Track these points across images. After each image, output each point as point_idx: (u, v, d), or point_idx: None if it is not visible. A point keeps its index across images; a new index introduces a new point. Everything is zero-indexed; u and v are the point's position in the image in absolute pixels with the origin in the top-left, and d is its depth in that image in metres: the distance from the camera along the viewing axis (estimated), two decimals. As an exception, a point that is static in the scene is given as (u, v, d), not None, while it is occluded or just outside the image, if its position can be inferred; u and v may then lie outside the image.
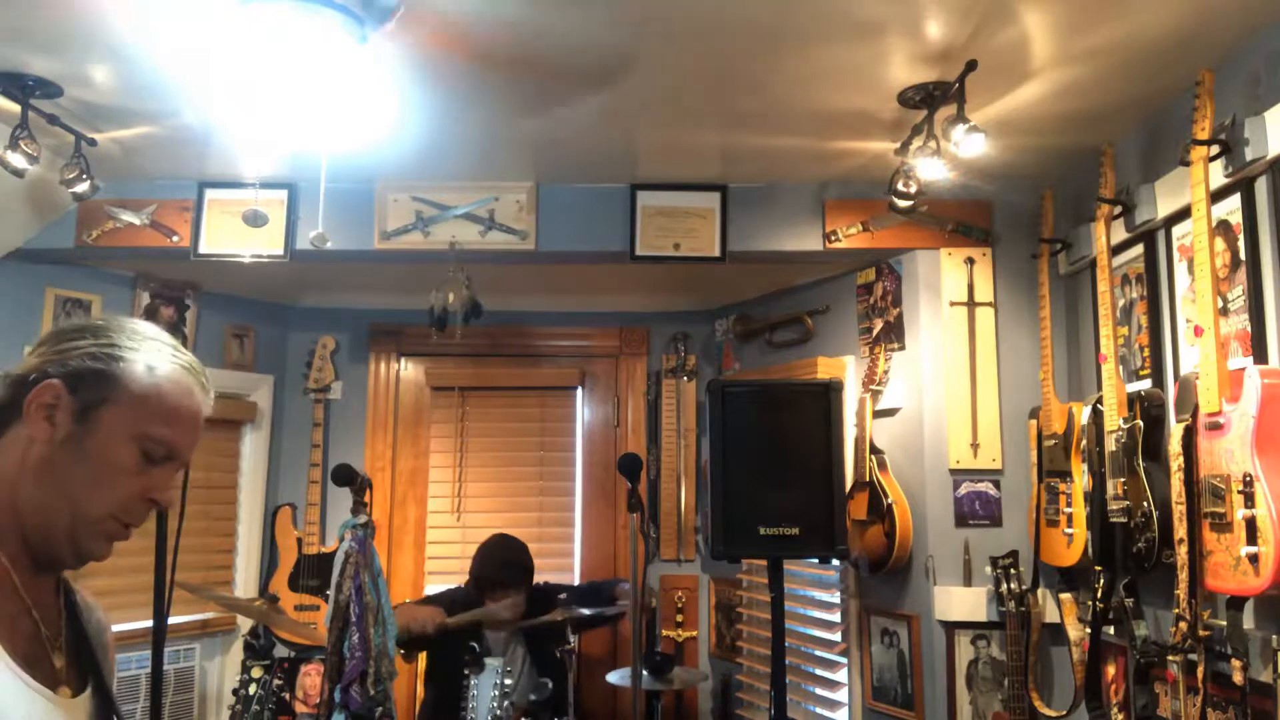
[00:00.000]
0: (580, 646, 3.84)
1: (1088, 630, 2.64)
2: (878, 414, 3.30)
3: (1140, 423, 2.40)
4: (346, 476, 2.81)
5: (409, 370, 4.37)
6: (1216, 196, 2.19)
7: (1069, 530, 2.69)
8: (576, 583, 4.14)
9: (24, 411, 1.07)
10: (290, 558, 4.11)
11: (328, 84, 2.16)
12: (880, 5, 2.07)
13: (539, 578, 3.59)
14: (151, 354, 1.13)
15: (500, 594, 3.38)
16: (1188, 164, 2.18)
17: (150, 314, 3.68)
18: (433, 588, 4.02)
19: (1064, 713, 2.79)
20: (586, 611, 3.23)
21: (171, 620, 2.05)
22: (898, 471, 3.23)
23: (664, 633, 4.16)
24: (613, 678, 3.31)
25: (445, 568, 4.17)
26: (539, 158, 3.11)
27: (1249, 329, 2.13)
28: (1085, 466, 2.64)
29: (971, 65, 2.27)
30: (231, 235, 3.24)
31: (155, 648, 1.28)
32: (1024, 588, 2.90)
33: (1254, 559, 1.91)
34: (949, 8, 2.08)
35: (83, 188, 2.82)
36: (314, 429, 4.19)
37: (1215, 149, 2.13)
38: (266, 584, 4.10)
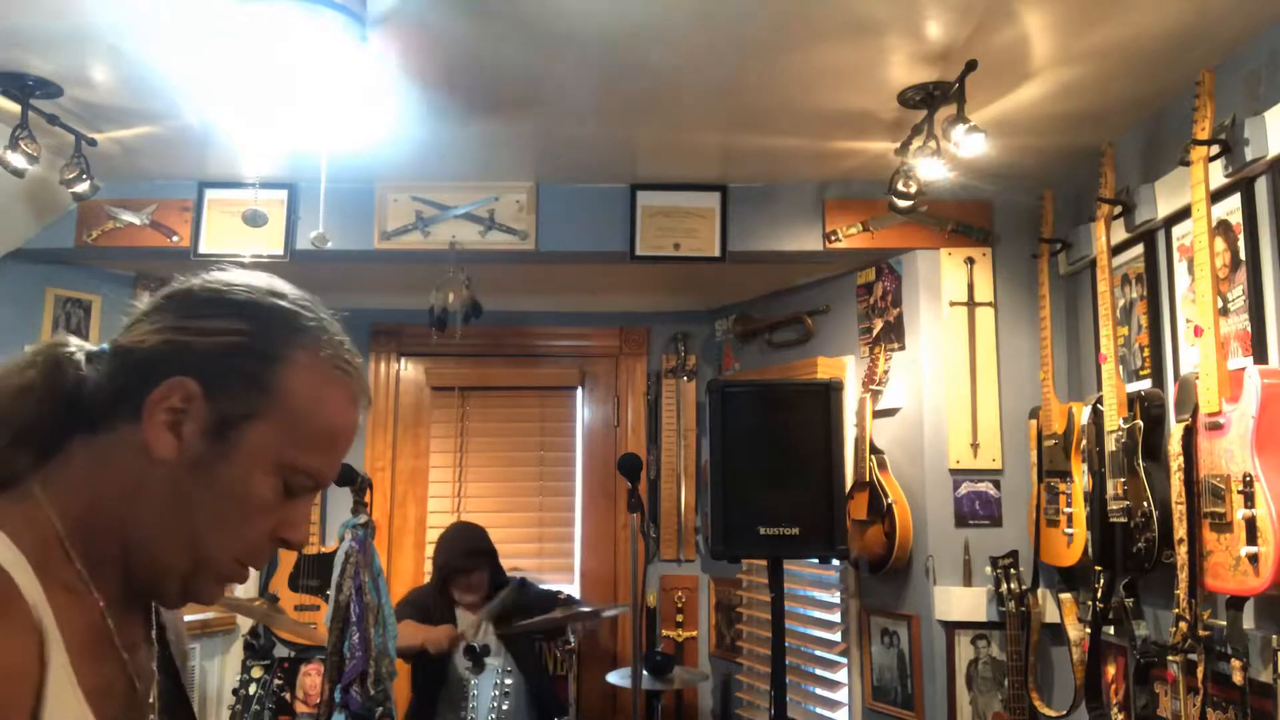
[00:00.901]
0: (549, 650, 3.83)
1: (1088, 630, 2.64)
2: (878, 414, 3.30)
3: (1140, 423, 2.40)
4: (346, 476, 2.81)
5: (409, 370, 4.37)
6: (1216, 196, 2.19)
7: (1069, 530, 2.69)
8: (575, 584, 4.15)
9: (144, 413, 0.80)
10: (290, 557, 4.10)
11: (328, 84, 2.16)
12: (880, 5, 2.07)
13: (542, 577, 3.59)
14: (316, 352, 0.85)
15: (464, 580, 3.37)
16: (1188, 164, 2.18)
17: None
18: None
19: (1064, 713, 2.79)
20: (586, 608, 3.24)
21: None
22: (898, 471, 3.23)
23: (664, 633, 4.16)
24: (613, 678, 3.32)
25: (445, 568, 4.17)
26: (539, 158, 3.11)
27: (1249, 329, 2.13)
28: (1085, 466, 2.64)
29: (971, 65, 2.27)
30: (231, 235, 3.24)
31: (157, 647, 1.27)
32: (1024, 588, 2.90)
33: (1254, 559, 1.91)
34: (949, 8, 2.08)
35: (83, 188, 2.82)
36: (314, 429, 4.18)
37: (1215, 149, 2.13)
38: (266, 584, 4.10)
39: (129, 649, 0.84)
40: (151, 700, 0.86)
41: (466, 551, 3.42)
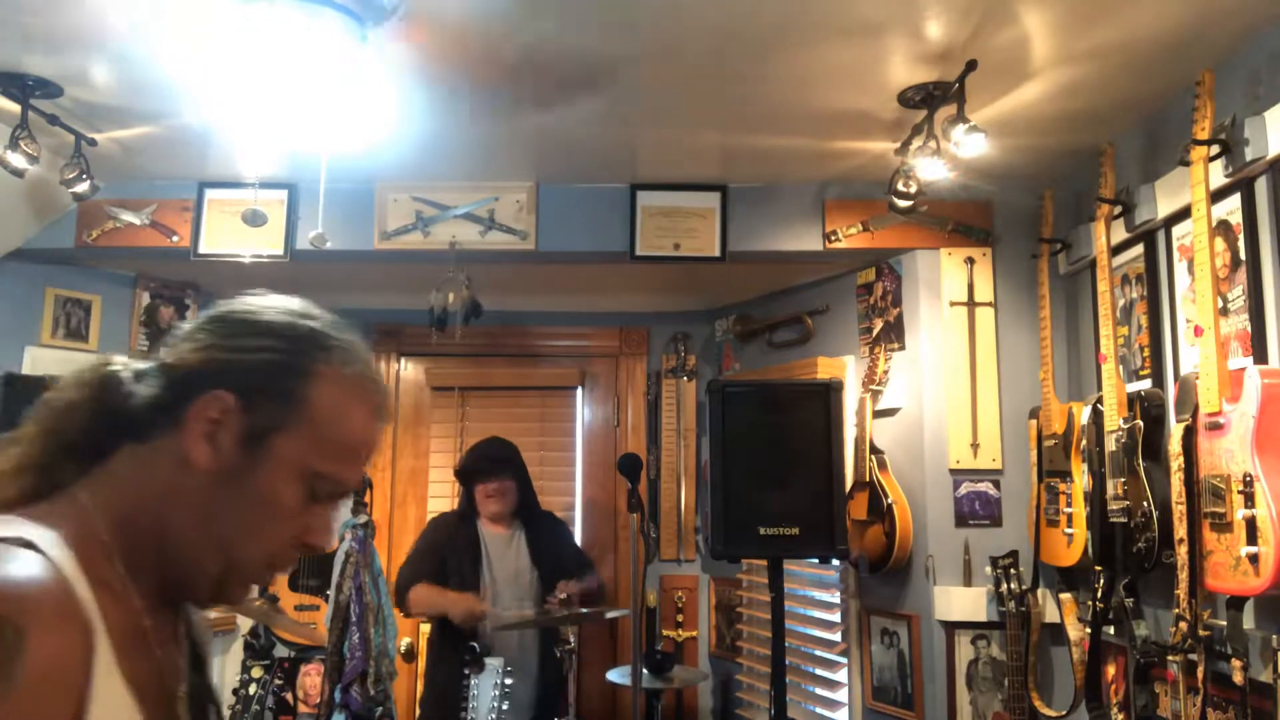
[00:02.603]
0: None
1: (1088, 630, 2.64)
2: (878, 414, 3.30)
3: (1140, 423, 2.40)
4: (346, 476, 2.80)
5: (409, 370, 4.37)
6: (1216, 196, 2.19)
7: (1069, 530, 2.69)
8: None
9: (185, 425, 0.87)
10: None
11: (328, 84, 2.16)
12: (880, 5, 2.07)
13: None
14: (341, 369, 0.93)
15: (487, 487, 3.49)
16: (1188, 164, 2.18)
17: (150, 314, 3.69)
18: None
19: (1064, 713, 2.79)
20: (586, 609, 3.24)
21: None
22: (898, 471, 3.23)
23: (664, 632, 4.16)
24: (613, 676, 3.32)
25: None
26: (539, 158, 3.11)
27: (1249, 329, 2.13)
28: (1085, 466, 2.64)
29: (971, 65, 2.27)
30: (231, 235, 3.24)
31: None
32: (1024, 588, 2.90)
33: (1254, 559, 1.91)
34: (949, 8, 2.08)
35: (83, 188, 2.82)
36: (314, 429, 4.18)
37: (1215, 149, 2.13)
38: (266, 584, 4.10)
39: (161, 646, 0.88)
40: (181, 695, 0.91)
41: (489, 456, 3.53)
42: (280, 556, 0.93)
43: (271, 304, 0.96)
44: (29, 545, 0.76)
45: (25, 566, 0.75)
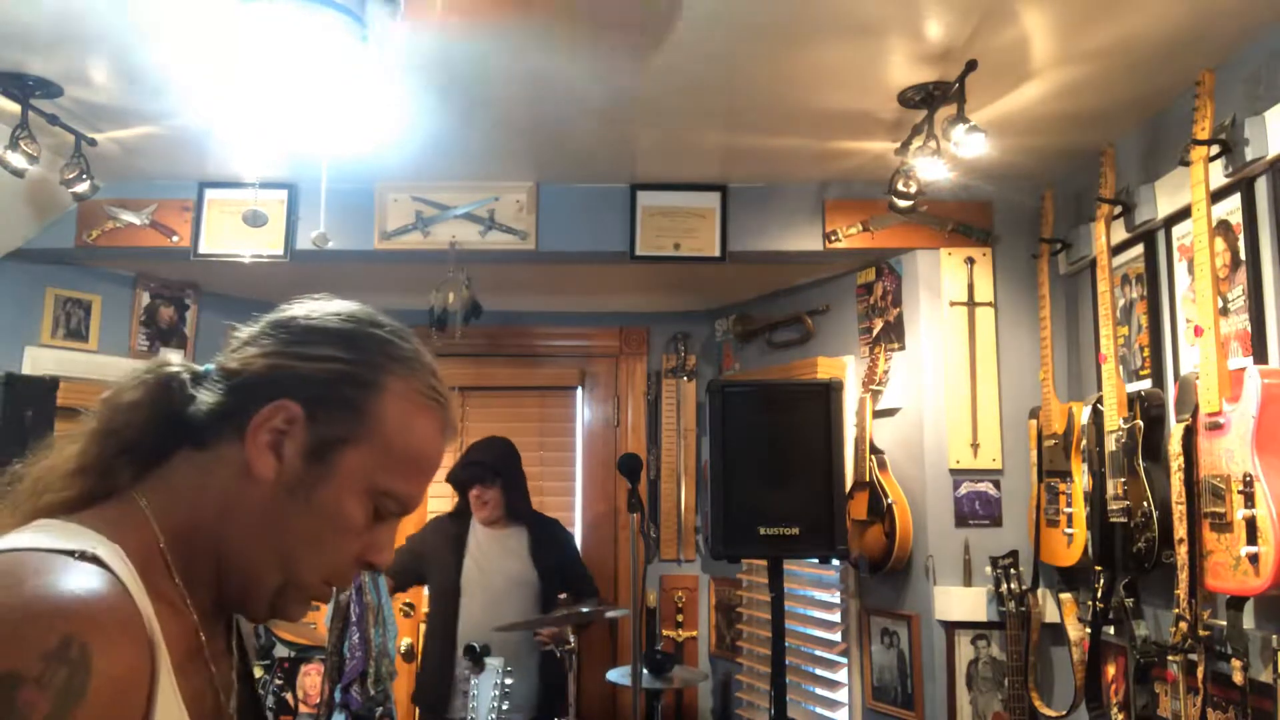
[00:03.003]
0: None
1: (1088, 630, 2.64)
2: (878, 414, 3.30)
3: (1140, 423, 2.40)
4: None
5: (409, 370, 4.37)
6: (1216, 196, 2.19)
7: (1069, 530, 2.69)
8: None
9: (248, 434, 0.84)
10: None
11: (328, 84, 2.16)
12: (880, 5, 2.07)
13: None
14: (410, 380, 0.90)
15: (470, 489, 3.50)
16: (1188, 164, 2.18)
17: (150, 314, 3.69)
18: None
19: (1064, 713, 2.79)
20: (586, 609, 3.23)
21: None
22: (898, 471, 3.23)
23: (664, 632, 4.17)
24: (613, 675, 3.32)
25: (445, 568, 4.17)
26: (539, 158, 3.11)
27: (1249, 329, 2.13)
28: (1085, 466, 2.64)
29: (971, 65, 2.27)
30: (231, 235, 3.24)
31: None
32: (1024, 588, 2.90)
33: (1254, 559, 1.91)
34: (949, 8, 2.08)
35: (83, 188, 2.82)
36: (314, 429, 4.19)
37: (1215, 149, 2.13)
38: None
39: (215, 661, 0.86)
40: (232, 710, 0.89)
41: (469, 462, 3.54)
42: (340, 574, 0.90)
43: (337, 310, 0.94)
44: (93, 559, 0.75)
45: (89, 580, 0.73)
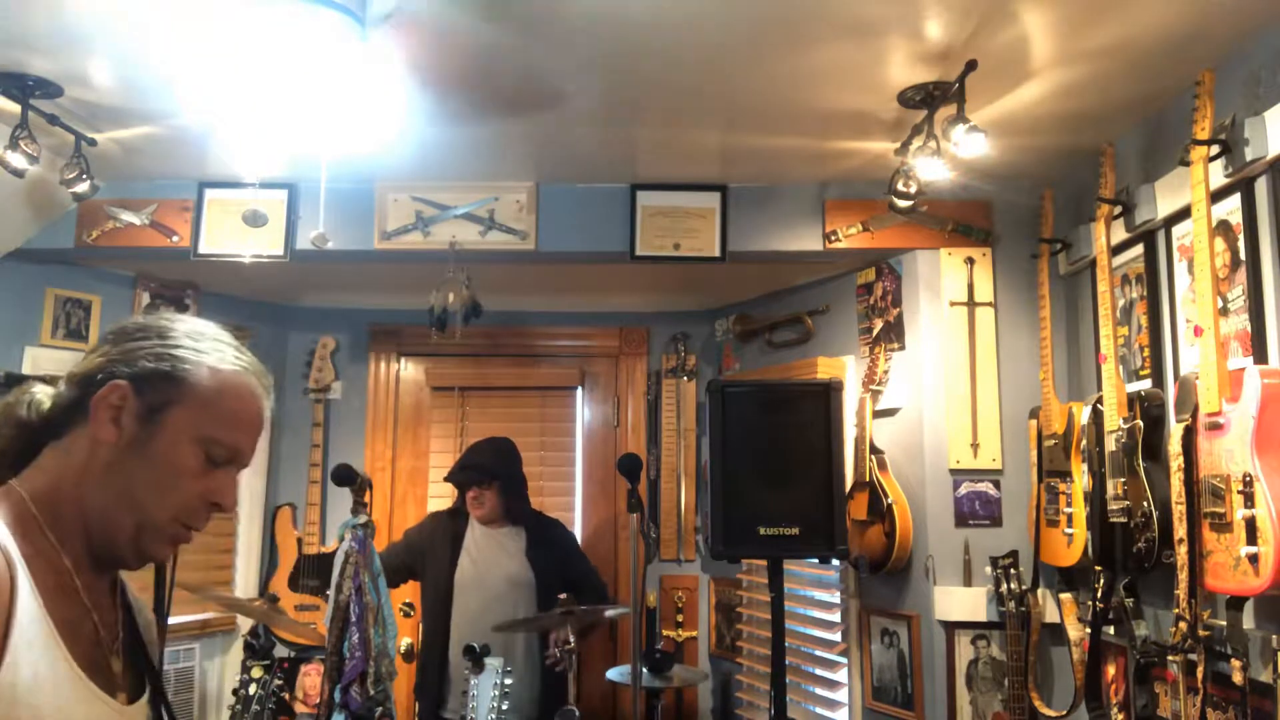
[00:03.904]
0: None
1: (1088, 630, 2.64)
2: (878, 414, 3.30)
3: (1140, 423, 2.41)
4: (346, 476, 2.81)
5: (409, 370, 4.37)
6: (1216, 196, 2.19)
7: (1069, 530, 2.69)
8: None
9: (91, 412, 1.05)
10: (290, 558, 4.11)
11: (328, 84, 2.16)
12: (880, 5, 2.07)
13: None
14: (215, 355, 1.11)
15: (466, 490, 3.51)
16: (1188, 164, 2.18)
17: (150, 314, 3.69)
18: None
19: (1064, 713, 2.79)
20: (586, 608, 3.24)
21: (171, 620, 2.05)
22: (898, 471, 3.23)
23: (664, 632, 4.16)
24: (613, 674, 3.32)
25: (445, 568, 4.17)
26: (539, 158, 3.11)
27: (1249, 329, 2.13)
28: (1085, 466, 2.64)
29: (971, 65, 2.27)
30: (231, 235, 3.24)
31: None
32: (1024, 588, 2.90)
33: (1254, 559, 1.91)
34: (949, 8, 2.08)
35: (83, 188, 2.82)
36: (314, 429, 4.19)
37: (1215, 149, 2.14)
38: (266, 584, 4.10)
39: (94, 603, 1.06)
40: (115, 648, 1.09)
41: (465, 464, 3.55)
42: (191, 515, 1.09)
43: (159, 316, 1.15)
44: None
45: None
